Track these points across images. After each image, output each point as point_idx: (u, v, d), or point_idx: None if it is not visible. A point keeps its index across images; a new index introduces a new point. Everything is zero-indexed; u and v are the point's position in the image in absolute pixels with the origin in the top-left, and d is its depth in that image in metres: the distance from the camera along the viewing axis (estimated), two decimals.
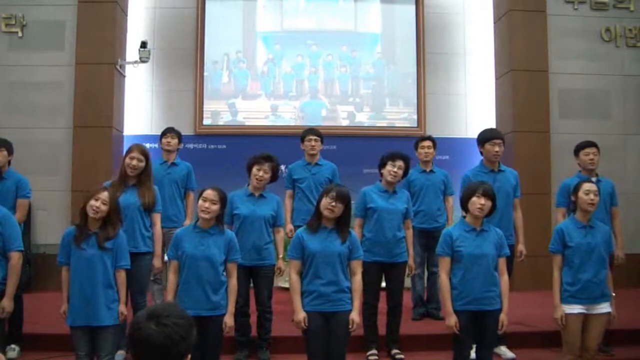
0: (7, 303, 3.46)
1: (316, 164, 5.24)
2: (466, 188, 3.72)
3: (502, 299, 3.54)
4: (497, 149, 4.52)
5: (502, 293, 3.54)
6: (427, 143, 5.35)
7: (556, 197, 4.76)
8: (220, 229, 3.62)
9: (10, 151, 4.49)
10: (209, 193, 3.55)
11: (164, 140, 5.20)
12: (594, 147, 4.66)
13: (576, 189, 3.74)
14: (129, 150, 4.21)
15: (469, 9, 8.20)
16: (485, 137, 4.61)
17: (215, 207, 3.54)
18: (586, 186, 3.69)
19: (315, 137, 5.23)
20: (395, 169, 4.41)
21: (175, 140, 5.21)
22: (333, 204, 3.39)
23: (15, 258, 3.46)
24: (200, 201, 3.55)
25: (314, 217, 3.50)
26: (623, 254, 4.61)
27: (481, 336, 3.56)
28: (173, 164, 5.16)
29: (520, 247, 4.58)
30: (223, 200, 3.60)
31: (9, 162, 4.50)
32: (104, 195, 3.44)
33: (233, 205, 4.31)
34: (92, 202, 3.41)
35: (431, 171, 5.32)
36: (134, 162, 4.14)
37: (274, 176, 4.40)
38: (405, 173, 4.52)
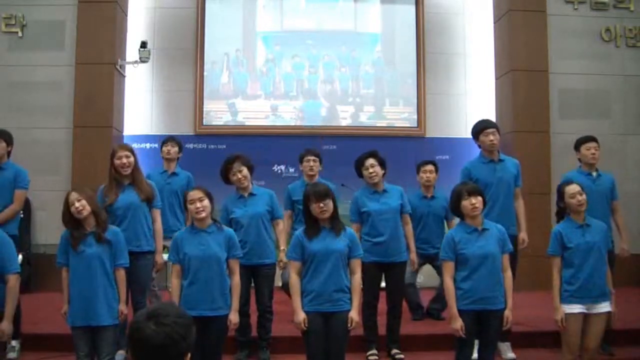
0: (7, 326, 3.42)
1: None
2: (450, 196, 3.69)
3: (506, 295, 3.53)
4: (491, 137, 4.47)
5: (506, 289, 3.53)
6: (430, 167, 5.30)
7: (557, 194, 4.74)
8: (218, 227, 3.62)
9: (9, 142, 4.47)
10: (192, 194, 3.55)
11: (164, 148, 5.19)
12: (594, 141, 4.66)
13: (561, 195, 3.72)
14: (114, 152, 4.18)
15: (469, 9, 8.20)
16: (478, 129, 4.57)
17: (205, 203, 3.53)
18: (569, 190, 3.67)
19: (313, 158, 5.16)
20: (370, 170, 4.39)
21: (176, 149, 5.20)
22: (321, 205, 3.40)
23: (13, 280, 3.42)
24: (189, 205, 3.55)
25: (310, 225, 3.49)
26: (628, 247, 4.61)
27: (484, 336, 3.55)
28: (173, 173, 5.14)
29: (523, 234, 4.52)
30: (209, 194, 3.58)
31: (9, 154, 4.48)
32: (73, 195, 3.46)
33: (229, 211, 4.31)
34: (71, 208, 3.43)
35: (432, 197, 5.29)
36: (124, 160, 4.12)
37: (250, 168, 4.34)
38: (383, 165, 4.45)
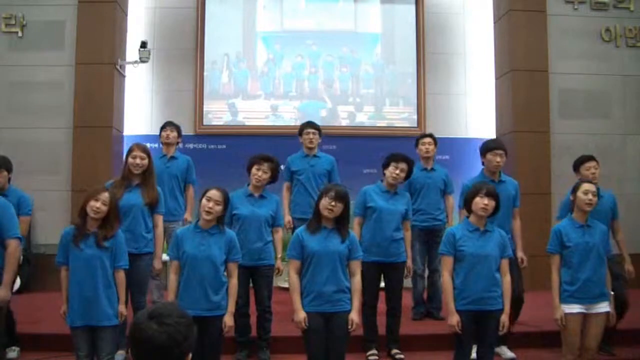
0: (4, 292, 3.43)
1: (314, 156, 5.25)
2: (470, 188, 3.71)
3: (503, 300, 3.54)
4: (498, 159, 4.48)
5: (503, 294, 3.54)
6: (428, 140, 5.36)
7: (558, 211, 4.72)
8: (220, 229, 3.61)
9: (9, 170, 4.45)
10: (213, 193, 3.54)
11: (163, 133, 5.18)
12: (593, 160, 4.62)
13: (575, 188, 3.74)
14: (131, 150, 4.23)
15: (469, 9, 8.21)
16: (487, 147, 4.58)
17: (219, 208, 3.54)
18: (585, 186, 3.70)
19: (313, 130, 5.25)
20: (397, 171, 4.41)
21: (175, 133, 5.19)
22: (333, 203, 3.39)
23: (13, 245, 3.42)
24: (204, 200, 3.54)
25: (313, 219, 3.50)
26: (632, 269, 4.51)
27: (482, 336, 3.56)
28: (172, 157, 5.14)
29: (520, 253, 4.54)
30: (226, 201, 3.60)
31: (9, 179, 4.47)
32: (104, 195, 3.44)
33: (233, 206, 4.31)
34: (93, 202, 3.41)
35: (432, 169, 5.33)
36: (137, 160, 4.15)
37: (274, 176, 4.40)
38: (408, 176, 4.52)
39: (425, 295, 5.45)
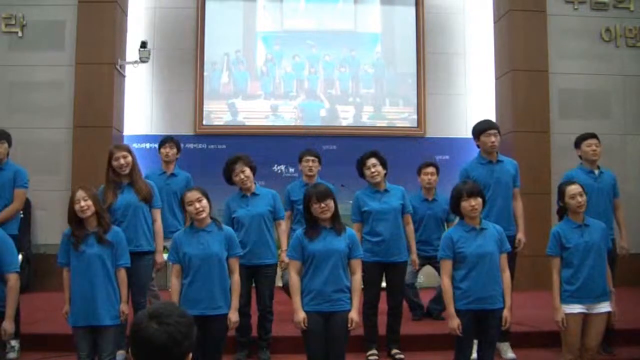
0: (9, 325, 3.42)
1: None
2: (450, 197, 3.68)
3: (504, 295, 3.53)
4: (492, 139, 4.45)
5: (504, 289, 3.53)
6: (431, 169, 5.29)
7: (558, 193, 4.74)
8: (218, 226, 3.62)
9: (9, 143, 4.49)
10: (190, 195, 3.53)
11: (162, 150, 5.15)
12: (595, 138, 4.63)
13: (561, 194, 3.72)
14: (112, 154, 4.15)
15: (469, 9, 8.22)
16: (479, 129, 4.55)
17: (204, 202, 3.53)
18: (570, 190, 3.67)
19: (312, 158, 5.15)
20: (372, 169, 4.38)
21: (174, 150, 5.17)
22: (323, 205, 3.41)
23: (13, 280, 3.41)
24: (187, 207, 3.54)
25: (310, 226, 3.49)
26: (628, 245, 4.58)
27: (483, 335, 3.55)
28: (172, 174, 5.11)
29: (520, 235, 4.48)
30: (206, 194, 3.58)
31: (7, 154, 4.49)
32: (79, 194, 3.45)
33: (231, 210, 4.31)
34: (75, 206, 3.43)
35: (433, 200, 5.29)
36: (122, 160, 4.10)
37: (252, 167, 4.36)
38: (385, 164, 4.45)
39: (426, 298, 5.44)
